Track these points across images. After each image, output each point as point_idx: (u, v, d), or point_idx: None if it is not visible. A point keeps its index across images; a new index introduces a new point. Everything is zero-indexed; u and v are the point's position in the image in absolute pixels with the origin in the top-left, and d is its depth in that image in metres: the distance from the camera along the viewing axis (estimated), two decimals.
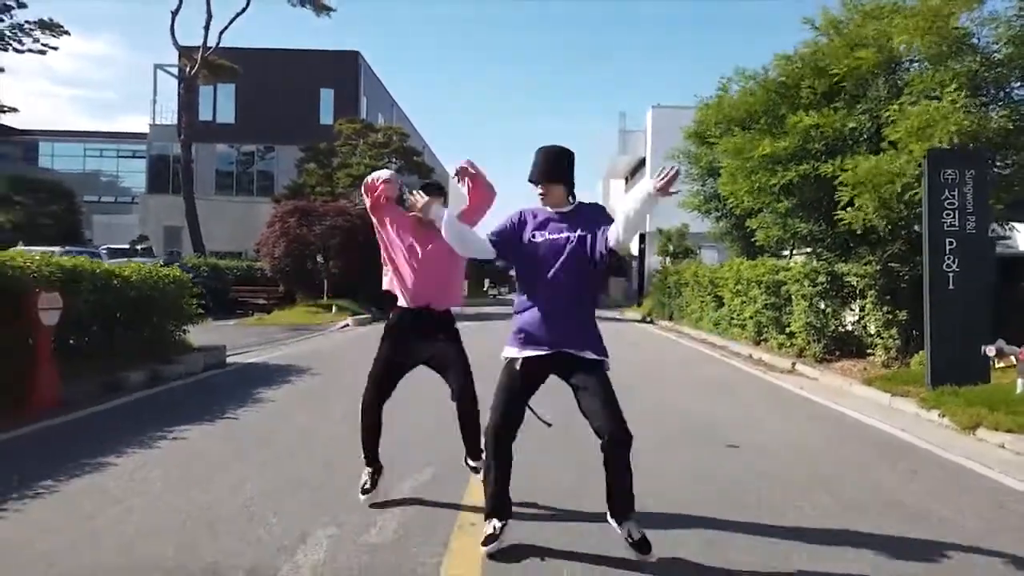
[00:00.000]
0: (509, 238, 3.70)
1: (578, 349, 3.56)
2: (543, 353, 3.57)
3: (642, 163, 36.83)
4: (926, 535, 3.96)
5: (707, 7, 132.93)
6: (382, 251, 4.41)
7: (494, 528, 3.56)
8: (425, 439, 5.82)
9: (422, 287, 4.23)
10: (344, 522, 3.91)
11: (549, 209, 3.70)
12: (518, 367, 3.60)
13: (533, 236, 3.64)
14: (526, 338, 3.60)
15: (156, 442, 5.68)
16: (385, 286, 4.43)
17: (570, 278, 3.55)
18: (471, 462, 4.49)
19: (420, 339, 4.26)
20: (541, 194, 3.68)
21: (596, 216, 3.65)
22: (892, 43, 10.30)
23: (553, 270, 3.56)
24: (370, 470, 4.31)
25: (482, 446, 3.74)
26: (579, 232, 3.57)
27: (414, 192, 4.03)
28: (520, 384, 3.61)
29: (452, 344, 4.32)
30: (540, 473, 4.87)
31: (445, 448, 5.54)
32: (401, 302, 4.32)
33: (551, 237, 3.60)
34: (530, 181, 3.70)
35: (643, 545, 3.41)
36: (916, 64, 10.76)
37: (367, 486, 4.26)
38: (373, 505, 4.19)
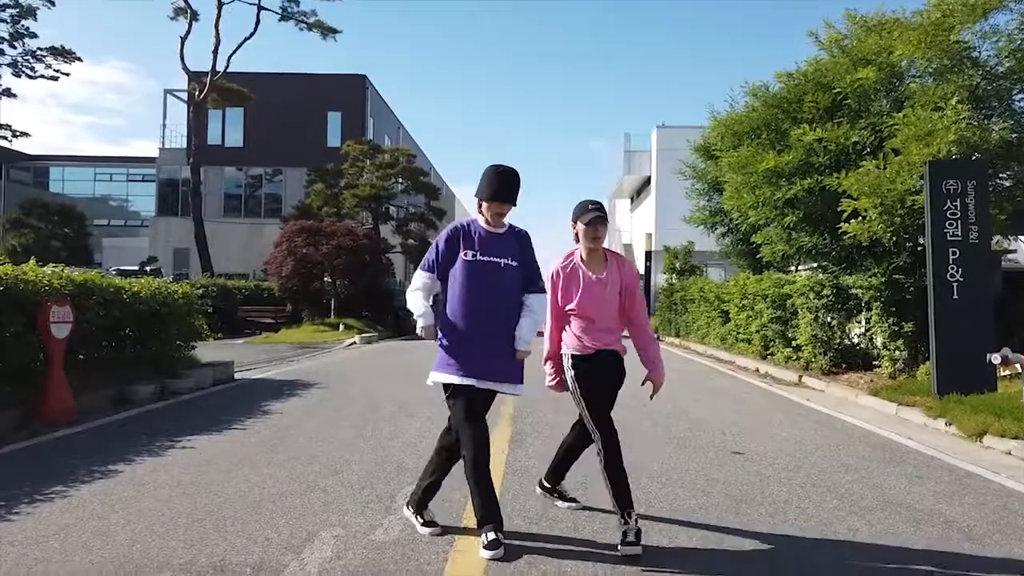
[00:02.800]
0: (447, 265, 3.77)
1: (509, 385, 3.75)
2: (478, 385, 3.67)
3: (647, 182, 36.99)
4: (932, 535, 3.97)
5: (711, 27, 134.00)
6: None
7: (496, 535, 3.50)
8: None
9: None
10: (351, 523, 3.94)
11: (484, 226, 3.79)
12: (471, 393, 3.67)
13: (466, 254, 3.72)
14: (461, 366, 3.65)
15: (165, 450, 5.73)
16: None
17: (503, 304, 3.73)
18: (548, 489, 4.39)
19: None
20: (499, 213, 3.76)
21: (525, 245, 3.87)
22: (893, 57, 10.39)
23: (488, 293, 3.69)
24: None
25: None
26: (512, 261, 3.76)
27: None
28: (477, 402, 3.70)
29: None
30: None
31: None
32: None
33: (488, 259, 3.70)
34: (497, 199, 3.74)
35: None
36: (919, 79, 10.85)
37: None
38: (380, 508, 4.22)
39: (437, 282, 3.83)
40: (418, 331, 3.85)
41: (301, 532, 3.78)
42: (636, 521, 3.59)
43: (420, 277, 3.84)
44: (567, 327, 3.92)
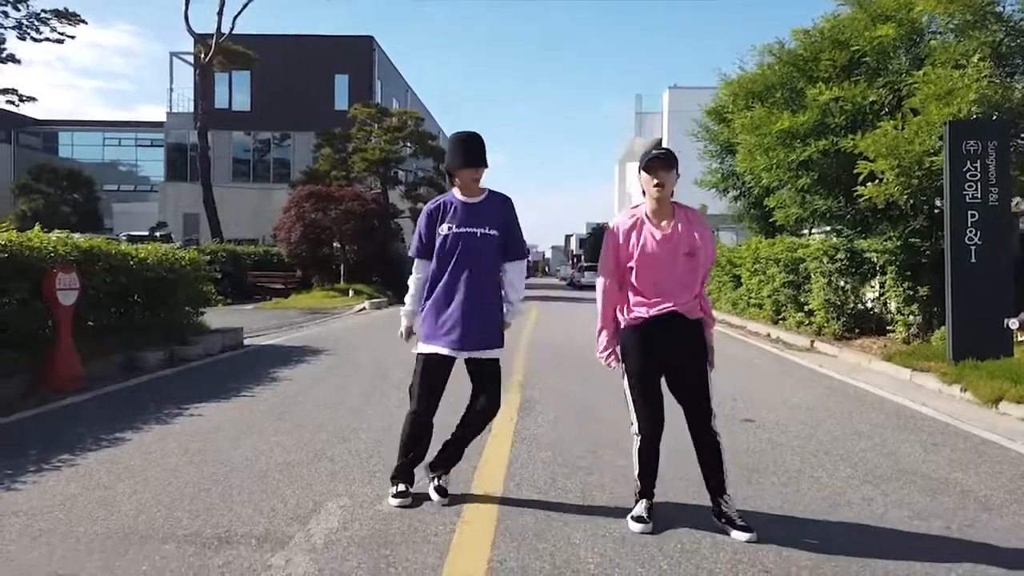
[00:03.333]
0: (430, 245, 3.76)
1: (484, 350, 3.70)
2: (452, 354, 3.69)
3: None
4: (948, 505, 3.89)
5: None
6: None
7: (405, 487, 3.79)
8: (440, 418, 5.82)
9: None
10: (358, 493, 3.91)
11: (460, 197, 3.74)
12: (432, 362, 3.71)
13: (441, 228, 3.70)
14: (443, 333, 3.67)
15: (173, 418, 5.71)
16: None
17: (480, 273, 3.68)
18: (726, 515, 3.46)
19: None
20: (475, 179, 3.71)
21: (507, 212, 3.79)
22: (914, 13, 10.07)
23: (465, 265, 3.65)
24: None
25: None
26: (491, 230, 3.70)
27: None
28: (436, 375, 3.74)
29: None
30: (555, 446, 4.87)
31: None
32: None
33: (464, 231, 3.66)
34: (471, 165, 3.68)
35: None
36: (939, 36, 10.53)
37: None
38: (387, 477, 4.18)
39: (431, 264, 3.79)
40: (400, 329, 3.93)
41: (307, 502, 3.75)
42: (651, 499, 3.53)
43: (416, 265, 3.85)
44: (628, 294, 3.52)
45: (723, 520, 3.43)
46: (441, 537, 3.31)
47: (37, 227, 7.72)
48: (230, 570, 2.94)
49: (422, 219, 3.80)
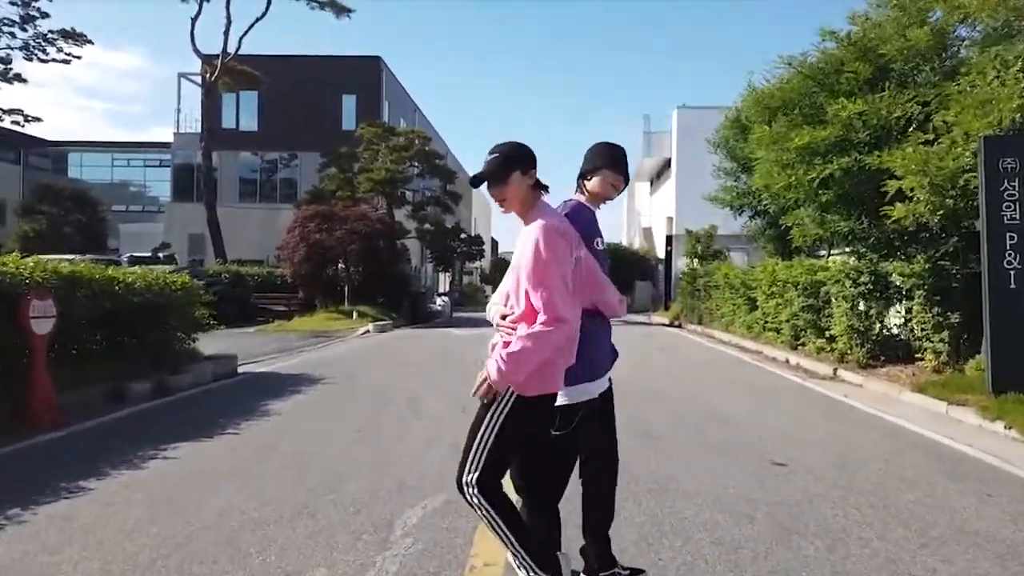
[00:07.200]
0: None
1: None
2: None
3: (668, 164, 36.12)
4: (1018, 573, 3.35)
5: (732, 5, 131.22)
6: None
7: None
8: (437, 462, 5.31)
9: None
10: (338, 561, 3.38)
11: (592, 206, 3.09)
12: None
13: (597, 243, 3.00)
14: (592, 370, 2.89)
15: (145, 461, 5.21)
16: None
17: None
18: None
19: None
20: (616, 187, 3.06)
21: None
22: (945, 18, 9.52)
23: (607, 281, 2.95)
24: None
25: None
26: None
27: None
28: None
29: None
30: None
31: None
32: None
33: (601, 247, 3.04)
34: (620, 173, 3.06)
35: None
36: (973, 47, 9.98)
37: None
38: (375, 541, 3.67)
39: None
40: None
41: (278, 574, 3.23)
42: None
43: None
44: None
45: None
46: None
47: (15, 253, 7.28)
48: None
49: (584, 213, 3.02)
